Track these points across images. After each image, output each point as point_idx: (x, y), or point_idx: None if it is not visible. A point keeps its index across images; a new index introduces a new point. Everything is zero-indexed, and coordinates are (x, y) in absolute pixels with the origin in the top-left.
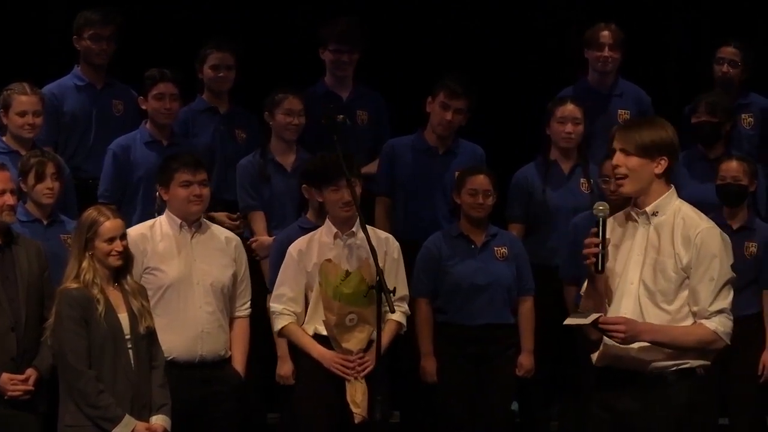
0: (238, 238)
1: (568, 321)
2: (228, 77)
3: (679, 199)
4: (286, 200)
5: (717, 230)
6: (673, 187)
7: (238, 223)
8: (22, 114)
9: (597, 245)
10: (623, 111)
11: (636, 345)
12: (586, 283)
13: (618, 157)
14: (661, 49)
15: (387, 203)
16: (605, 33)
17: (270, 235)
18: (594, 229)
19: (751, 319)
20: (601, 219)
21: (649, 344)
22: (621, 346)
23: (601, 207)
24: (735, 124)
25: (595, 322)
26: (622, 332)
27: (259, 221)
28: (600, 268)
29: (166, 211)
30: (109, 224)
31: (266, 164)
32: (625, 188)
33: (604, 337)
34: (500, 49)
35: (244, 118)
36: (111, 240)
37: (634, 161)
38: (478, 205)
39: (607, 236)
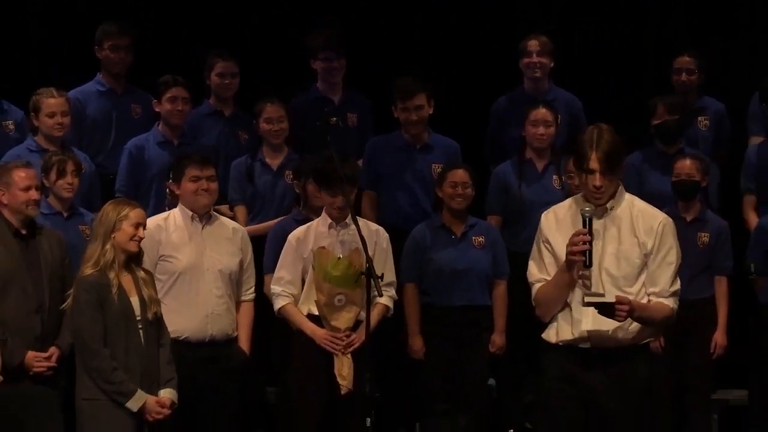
0: (244, 229)
1: (590, 299)
2: (233, 84)
3: (627, 193)
4: (267, 197)
5: (671, 221)
6: (621, 183)
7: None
8: (51, 115)
9: (586, 243)
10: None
11: (611, 323)
12: (557, 274)
13: (601, 179)
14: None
15: (372, 196)
16: (533, 42)
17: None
18: (582, 229)
19: (704, 303)
20: (587, 218)
21: (619, 323)
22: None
23: (587, 208)
24: (692, 125)
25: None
26: (626, 311)
27: (240, 214)
28: (589, 263)
29: (179, 204)
30: (137, 212)
31: (254, 165)
32: (604, 200)
33: (574, 317)
34: (479, 53)
35: (246, 120)
36: (137, 226)
37: (612, 180)
38: (458, 196)
39: (551, 232)
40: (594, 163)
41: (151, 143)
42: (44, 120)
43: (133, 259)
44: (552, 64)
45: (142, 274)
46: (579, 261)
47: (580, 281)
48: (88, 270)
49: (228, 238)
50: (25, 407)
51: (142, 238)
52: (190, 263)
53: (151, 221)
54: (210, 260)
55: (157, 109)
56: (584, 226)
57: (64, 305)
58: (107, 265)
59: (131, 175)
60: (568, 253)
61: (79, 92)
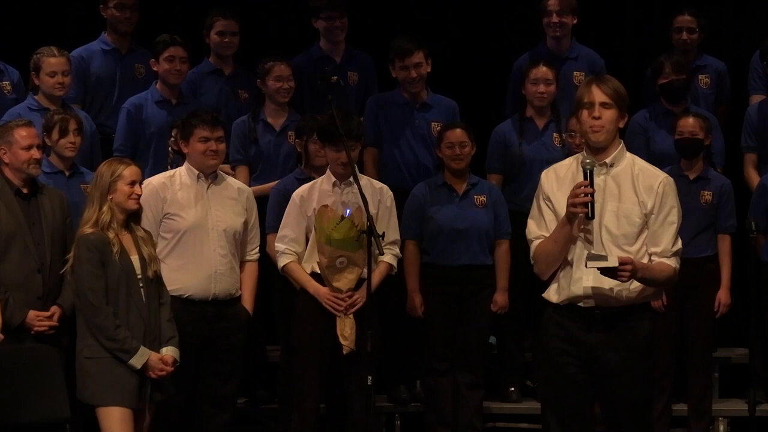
0: (250, 190)
1: (592, 264)
2: (233, 42)
3: (628, 152)
4: (270, 158)
5: (672, 180)
6: (622, 141)
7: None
8: (52, 74)
9: (587, 195)
10: (578, 72)
11: (612, 282)
12: (557, 228)
13: (600, 110)
14: (618, 17)
15: (374, 153)
16: (552, 1)
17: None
18: (584, 181)
19: (707, 260)
20: (588, 170)
21: (621, 282)
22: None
23: (588, 160)
24: (693, 83)
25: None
26: (629, 271)
27: (241, 174)
28: (591, 215)
29: (186, 163)
30: (131, 170)
31: (256, 125)
32: (601, 137)
33: (575, 276)
34: (479, 12)
35: (246, 79)
36: (132, 183)
37: (612, 113)
38: (456, 156)
39: (552, 190)
40: (593, 96)
41: (149, 102)
42: (45, 79)
43: (131, 218)
44: (575, 21)
45: (141, 232)
46: (581, 213)
47: (582, 235)
48: (87, 230)
49: (233, 198)
50: (26, 366)
51: (139, 195)
52: (195, 222)
53: (157, 179)
54: (215, 219)
55: (154, 69)
56: (585, 178)
57: (65, 267)
58: (105, 225)
59: (129, 134)
60: (570, 206)
61: (83, 50)
